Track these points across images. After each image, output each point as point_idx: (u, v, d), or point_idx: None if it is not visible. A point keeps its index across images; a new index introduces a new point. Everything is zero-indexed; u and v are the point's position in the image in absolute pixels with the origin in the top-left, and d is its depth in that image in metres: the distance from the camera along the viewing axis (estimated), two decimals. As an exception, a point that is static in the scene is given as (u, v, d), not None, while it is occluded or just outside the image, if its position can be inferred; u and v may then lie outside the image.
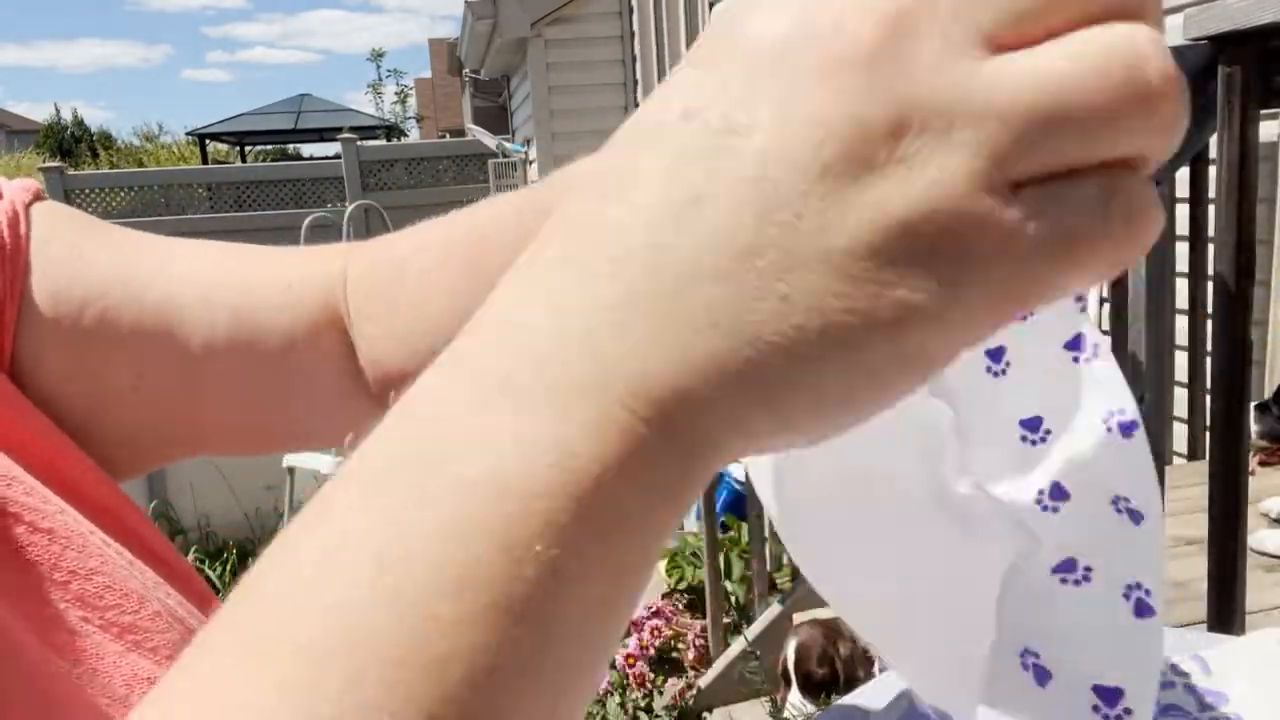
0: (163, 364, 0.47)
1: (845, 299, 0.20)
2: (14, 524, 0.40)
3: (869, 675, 2.42)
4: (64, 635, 0.39)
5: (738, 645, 3.06)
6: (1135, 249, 0.20)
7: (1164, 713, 0.52)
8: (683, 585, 3.61)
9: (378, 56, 35.19)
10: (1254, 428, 2.12)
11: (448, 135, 21.71)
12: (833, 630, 2.61)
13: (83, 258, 0.47)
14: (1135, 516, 0.33)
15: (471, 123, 12.11)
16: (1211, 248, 2.04)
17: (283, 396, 0.50)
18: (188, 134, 22.67)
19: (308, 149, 25.38)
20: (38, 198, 0.48)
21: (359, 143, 13.16)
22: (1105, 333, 3.17)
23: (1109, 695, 0.32)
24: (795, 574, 3.29)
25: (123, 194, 12.32)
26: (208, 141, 19.39)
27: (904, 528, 0.34)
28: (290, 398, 0.50)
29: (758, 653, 2.97)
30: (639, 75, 6.32)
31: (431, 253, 0.49)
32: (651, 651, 3.21)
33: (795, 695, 2.60)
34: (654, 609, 3.33)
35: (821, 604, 2.81)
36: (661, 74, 5.96)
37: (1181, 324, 2.50)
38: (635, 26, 6.23)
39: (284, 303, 0.49)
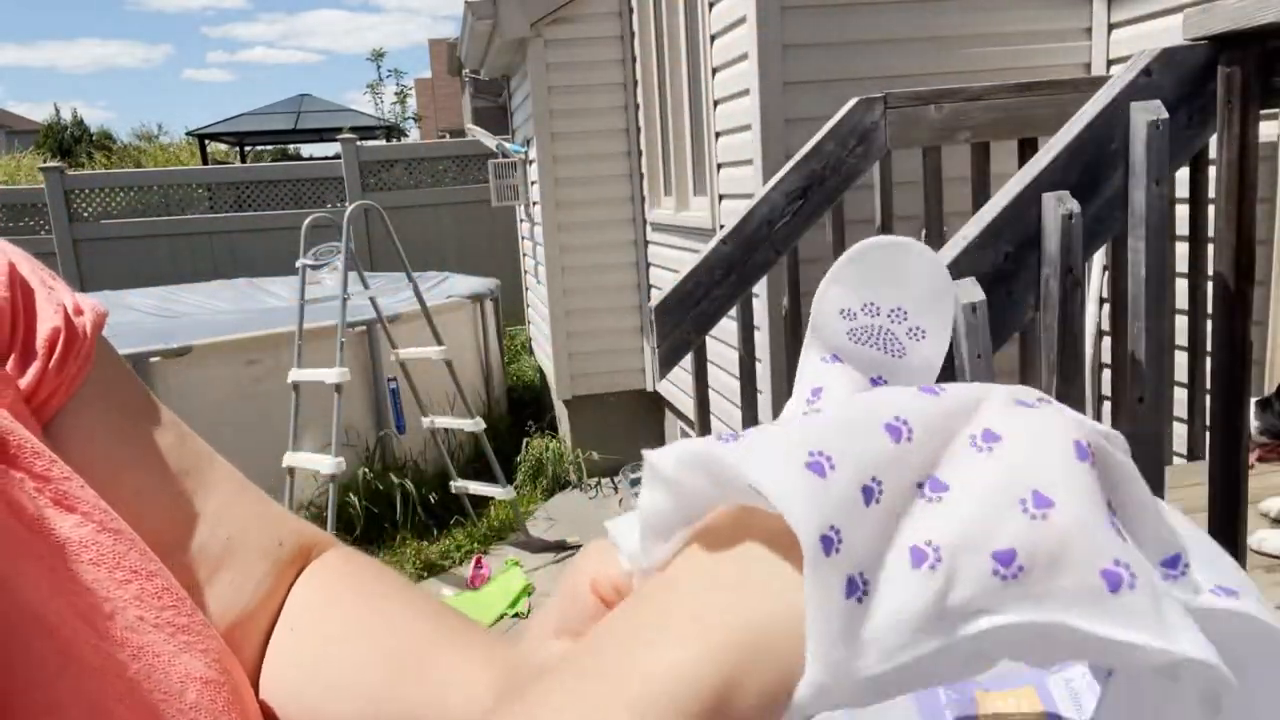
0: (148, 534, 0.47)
1: None
2: (85, 521, 0.41)
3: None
4: (120, 631, 0.40)
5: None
6: None
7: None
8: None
9: (378, 57, 35.21)
10: (1254, 423, 2.12)
11: (448, 135, 21.69)
12: None
13: (143, 408, 0.49)
14: None
15: (471, 123, 12.10)
16: (1211, 248, 2.03)
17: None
18: (188, 134, 22.64)
19: (308, 149, 25.44)
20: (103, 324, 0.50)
21: (359, 143, 13.15)
22: (1105, 333, 3.17)
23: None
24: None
25: (123, 194, 12.29)
26: (207, 141, 19.38)
27: None
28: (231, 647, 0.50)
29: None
30: (639, 75, 6.32)
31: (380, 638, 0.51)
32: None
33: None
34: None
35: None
36: (661, 74, 5.96)
37: (1181, 324, 2.50)
38: (635, 26, 6.23)
39: (270, 556, 0.53)
